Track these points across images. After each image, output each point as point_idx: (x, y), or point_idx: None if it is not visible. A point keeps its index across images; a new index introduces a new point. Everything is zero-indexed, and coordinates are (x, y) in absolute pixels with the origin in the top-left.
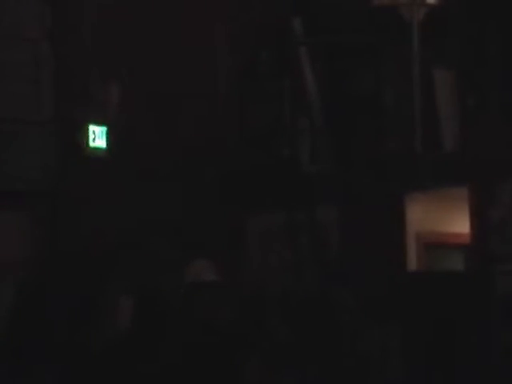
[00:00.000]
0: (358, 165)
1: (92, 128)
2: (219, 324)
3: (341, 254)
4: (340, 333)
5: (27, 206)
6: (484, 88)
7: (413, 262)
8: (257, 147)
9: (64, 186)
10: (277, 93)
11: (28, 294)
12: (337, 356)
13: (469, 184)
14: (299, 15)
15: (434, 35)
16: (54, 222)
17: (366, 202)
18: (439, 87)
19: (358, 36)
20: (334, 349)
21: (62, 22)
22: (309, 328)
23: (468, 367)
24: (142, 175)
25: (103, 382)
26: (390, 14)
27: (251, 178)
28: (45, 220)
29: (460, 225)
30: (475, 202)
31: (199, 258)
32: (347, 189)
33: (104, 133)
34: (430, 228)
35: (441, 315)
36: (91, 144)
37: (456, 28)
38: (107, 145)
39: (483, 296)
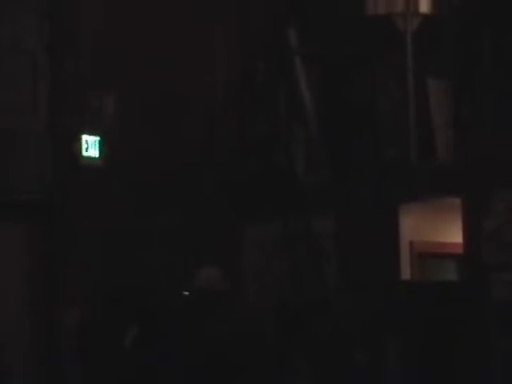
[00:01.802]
0: (353, 174)
1: (85, 138)
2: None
3: (336, 264)
4: (338, 341)
5: (23, 215)
6: (479, 97)
7: (406, 272)
8: (253, 157)
9: (60, 196)
10: (273, 103)
11: None
12: (334, 364)
13: (463, 194)
14: (295, 25)
15: (428, 44)
16: (51, 230)
17: (361, 211)
18: (433, 96)
19: (352, 45)
20: (331, 356)
21: (59, 34)
22: (306, 337)
23: (465, 376)
24: (138, 185)
25: None
26: (385, 23)
27: (248, 188)
28: (41, 228)
29: (454, 234)
30: (469, 211)
31: (208, 264)
32: (342, 198)
33: (97, 142)
34: (424, 237)
35: (435, 325)
36: (84, 154)
37: (450, 37)
38: (100, 154)
39: (478, 305)
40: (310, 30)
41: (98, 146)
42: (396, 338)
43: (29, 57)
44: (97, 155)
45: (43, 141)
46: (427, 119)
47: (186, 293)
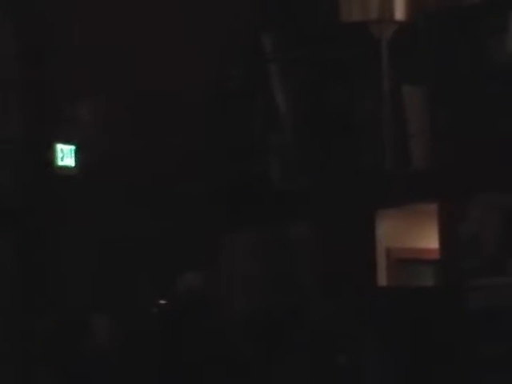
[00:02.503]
0: (329, 181)
1: (60, 147)
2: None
3: (313, 270)
4: (317, 346)
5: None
6: (455, 104)
7: (383, 278)
8: (229, 164)
9: (36, 204)
10: (248, 110)
11: None
12: (315, 368)
13: (439, 200)
14: (271, 32)
15: (403, 51)
16: (28, 238)
17: (337, 217)
18: (409, 103)
19: (327, 52)
20: (311, 361)
21: (32, 42)
22: (286, 343)
23: (443, 379)
24: (117, 192)
25: None
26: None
27: (225, 195)
28: (18, 236)
29: (430, 240)
30: (445, 217)
31: (191, 271)
32: (318, 205)
33: (73, 151)
34: (401, 244)
35: (413, 330)
36: (59, 163)
37: (426, 44)
38: (76, 163)
39: (454, 311)
40: (286, 35)
41: (73, 154)
42: (374, 343)
43: (1, 64)
44: (72, 164)
45: (18, 149)
46: (403, 125)
47: (162, 301)
